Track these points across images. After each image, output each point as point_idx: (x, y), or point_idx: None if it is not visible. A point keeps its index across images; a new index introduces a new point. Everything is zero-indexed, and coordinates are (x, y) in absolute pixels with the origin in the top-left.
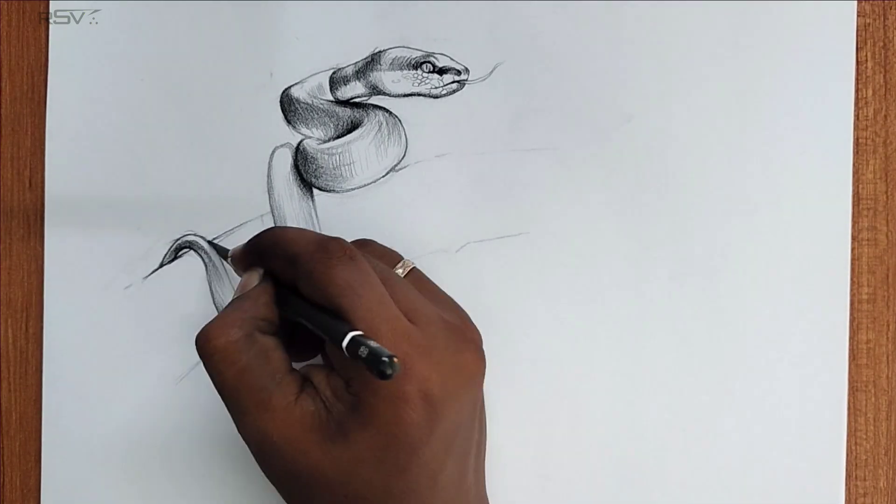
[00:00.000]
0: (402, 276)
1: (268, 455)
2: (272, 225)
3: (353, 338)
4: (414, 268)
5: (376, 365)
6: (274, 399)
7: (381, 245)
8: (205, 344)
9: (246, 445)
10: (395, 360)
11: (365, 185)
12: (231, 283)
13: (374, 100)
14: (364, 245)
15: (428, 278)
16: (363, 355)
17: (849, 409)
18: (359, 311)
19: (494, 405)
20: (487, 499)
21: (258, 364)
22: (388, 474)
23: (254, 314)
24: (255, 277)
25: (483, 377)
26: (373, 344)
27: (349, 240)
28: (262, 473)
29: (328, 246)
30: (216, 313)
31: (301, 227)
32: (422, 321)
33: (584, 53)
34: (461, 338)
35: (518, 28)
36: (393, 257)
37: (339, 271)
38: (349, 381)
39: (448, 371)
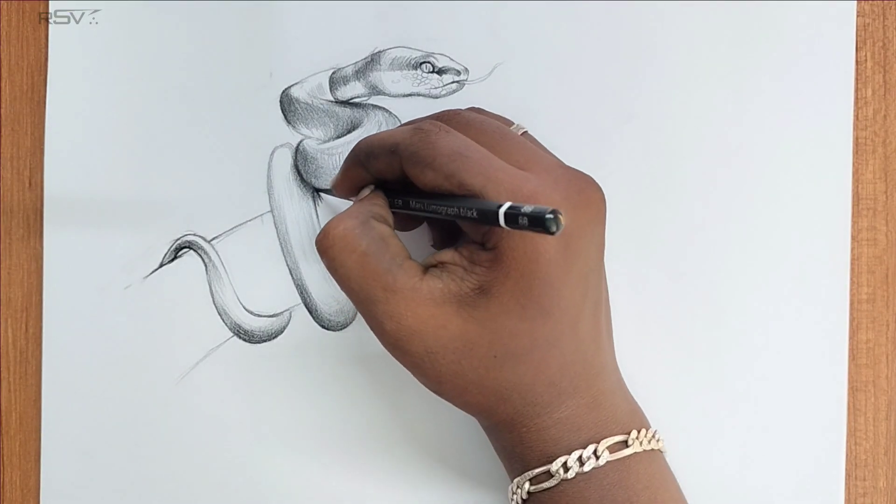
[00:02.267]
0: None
1: (405, 340)
2: (272, 225)
3: (510, 207)
4: (526, 131)
5: (541, 223)
6: (399, 280)
7: (491, 112)
8: (323, 238)
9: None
10: (560, 215)
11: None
12: (231, 283)
13: (374, 100)
14: (478, 110)
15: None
16: (526, 217)
17: (849, 409)
18: (472, 168)
19: None
20: (620, 373)
21: (378, 248)
22: (533, 320)
23: (368, 209)
24: (366, 190)
25: (605, 217)
26: (529, 207)
27: None
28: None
29: (423, 126)
30: (216, 313)
31: (299, 226)
32: (539, 168)
33: (584, 53)
34: (582, 178)
35: (518, 28)
36: (506, 120)
37: (442, 142)
38: (484, 242)
39: (576, 206)
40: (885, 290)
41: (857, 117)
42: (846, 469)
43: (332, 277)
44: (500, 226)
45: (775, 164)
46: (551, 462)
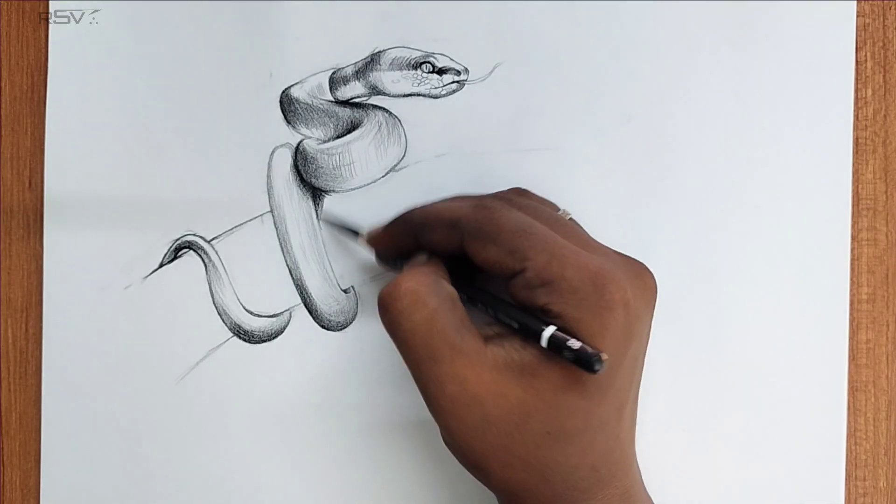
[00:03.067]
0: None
1: (464, 405)
2: (272, 225)
3: (553, 334)
4: (572, 217)
5: (586, 361)
6: (466, 341)
7: (538, 196)
8: (393, 289)
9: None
10: (604, 356)
11: (365, 186)
12: (231, 283)
13: (374, 100)
14: (524, 193)
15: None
16: (572, 349)
17: (849, 409)
18: (538, 245)
19: None
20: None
21: (447, 308)
22: (591, 399)
23: (436, 271)
24: (422, 257)
25: (655, 305)
26: (577, 343)
27: None
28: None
29: (486, 203)
30: (216, 313)
31: (299, 226)
32: (598, 252)
33: (584, 53)
34: (638, 264)
35: (518, 28)
36: (553, 205)
37: (505, 218)
38: (546, 308)
39: (635, 290)
40: (885, 290)
41: (857, 117)
42: (846, 469)
43: (389, 335)
44: (539, 343)
45: (775, 164)
46: None
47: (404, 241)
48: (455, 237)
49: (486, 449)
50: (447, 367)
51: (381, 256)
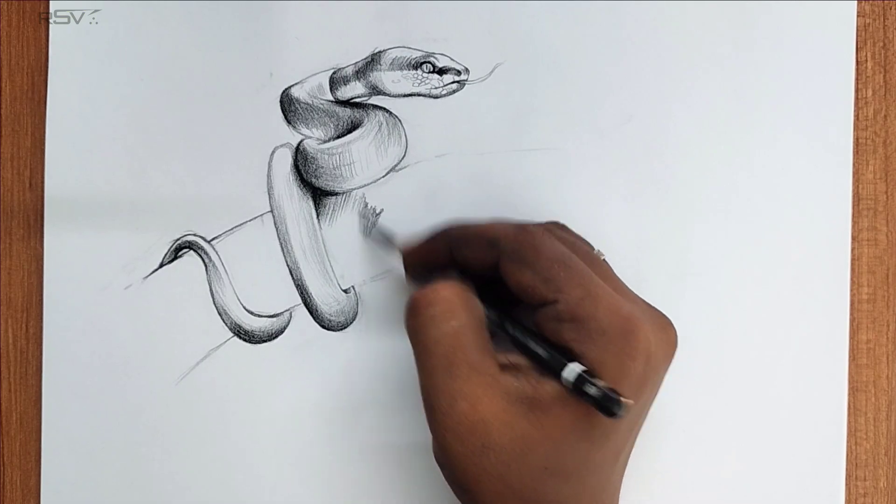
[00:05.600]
0: None
1: (470, 427)
2: (272, 225)
3: (580, 375)
4: (605, 258)
5: (607, 405)
6: (485, 364)
7: (573, 232)
8: (430, 294)
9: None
10: (628, 402)
11: (365, 186)
12: (231, 283)
13: (374, 100)
14: (563, 227)
15: None
16: (594, 394)
17: (849, 409)
18: (574, 279)
19: None
20: None
21: (475, 325)
22: (594, 442)
23: (468, 287)
24: (452, 273)
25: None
26: (602, 384)
27: None
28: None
29: (528, 227)
30: (216, 313)
31: (299, 226)
32: (629, 298)
33: (584, 53)
34: (663, 317)
35: (518, 28)
36: (588, 244)
37: (546, 246)
38: (569, 346)
39: (657, 342)
40: (885, 290)
41: (857, 117)
42: (846, 469)
43: (410, 337)
44: (557, 379)
45: (775, 164)
46: None
47: (439, 256)
48: (492, 256)
49: (481, 475)
50: (462, 384)
51: (409, 271)
